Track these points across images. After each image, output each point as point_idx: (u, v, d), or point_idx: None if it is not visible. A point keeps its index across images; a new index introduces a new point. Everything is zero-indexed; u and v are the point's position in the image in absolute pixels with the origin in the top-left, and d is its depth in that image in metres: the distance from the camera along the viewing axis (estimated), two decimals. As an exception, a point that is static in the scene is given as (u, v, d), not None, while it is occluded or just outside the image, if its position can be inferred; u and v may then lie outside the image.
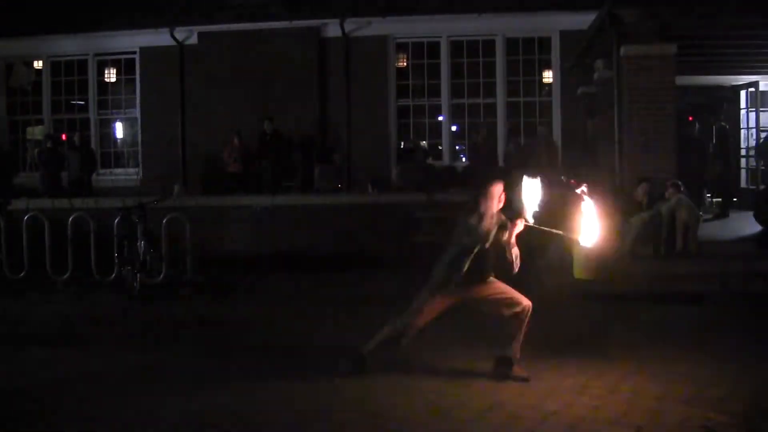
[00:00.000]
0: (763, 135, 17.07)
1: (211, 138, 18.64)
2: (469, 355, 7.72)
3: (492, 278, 7.19)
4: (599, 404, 6.27)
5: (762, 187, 15.93)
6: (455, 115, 19.01)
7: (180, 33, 19.14)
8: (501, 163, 17.67)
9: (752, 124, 18.10)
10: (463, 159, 18.96)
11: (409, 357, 7.47)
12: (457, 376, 7.15)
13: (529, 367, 7.09)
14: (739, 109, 18.71)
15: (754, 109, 17.99)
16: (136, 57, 19.83)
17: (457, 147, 19.34)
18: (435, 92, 18.89)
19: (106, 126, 20.48)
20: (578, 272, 11.89)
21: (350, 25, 18.57)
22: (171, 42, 19.18)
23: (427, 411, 6.24)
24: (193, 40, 19.28)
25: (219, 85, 18.89)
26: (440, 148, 19.06)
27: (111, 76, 20.24)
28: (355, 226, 14.69)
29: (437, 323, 7.32)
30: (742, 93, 18.56)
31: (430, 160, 17.94)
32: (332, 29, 18.74)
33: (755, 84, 17.79)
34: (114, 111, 20.38)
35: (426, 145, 18.68)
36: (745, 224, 13.95)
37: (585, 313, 9.69)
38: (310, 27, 18.78)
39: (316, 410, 6.34)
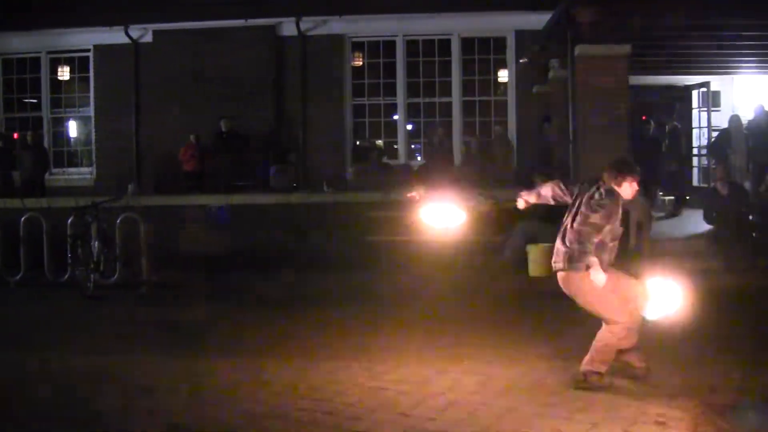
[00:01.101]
0: (714, 134, 17.35)
1: (167, 137, 18.46)
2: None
3: None
4: (556, 401, 6.32)
5: (711, 185, 16.17)
6: (411, 114, 19.02)
7: (134, 31, 18.93)
8: (456, 161, 17.75)
9: (704, 123, 18.39)
10: (419, 158, 18.99)
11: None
12: (414, 376, 7.18)
13: (484, 366, 7.12)
14: (692, 108, 19.00)
15: (705, 109, 18.29)
16: (90, 55, 19.57)
17: (412, 146, 19.37)
18: (391, 91, 18.88)
19: (60, 125, 20.21)
20: (533, 270, 12.01)
21: (306, 23, 18.51)
22: (125, 40, 18.97)
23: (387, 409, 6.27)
24: (148, 38, 19.08)
25: (174, 84, 18.72)
26: (396, 147, 19.08)
27: (64, 74, 19.99)
28: (311, 225, 14.69)
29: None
30: (695, 93, 18.85)
31: (385, 159, 17.96)
32: (288, 28, 18.66)
33: (707, 84, 18.08)
34: (67, 109, 20.12)
35: (381, 144, 18.70)
36: (698, 222, 14.13)
37: (539, 311, 9.76)
38: (266, 25, 18.70)
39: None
